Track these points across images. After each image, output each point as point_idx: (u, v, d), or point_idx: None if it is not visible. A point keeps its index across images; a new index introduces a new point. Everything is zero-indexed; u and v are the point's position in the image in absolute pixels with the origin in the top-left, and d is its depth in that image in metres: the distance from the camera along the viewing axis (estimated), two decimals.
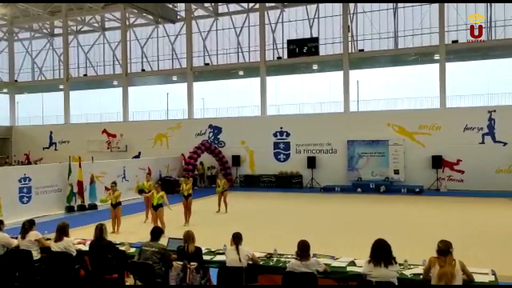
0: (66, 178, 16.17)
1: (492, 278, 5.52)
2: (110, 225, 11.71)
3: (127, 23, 27.80)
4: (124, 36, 27.82)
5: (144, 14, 25.32)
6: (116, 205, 12.12)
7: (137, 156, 25.93)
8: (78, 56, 29.77)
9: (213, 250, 7.04)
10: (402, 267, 5.85)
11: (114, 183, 12.96)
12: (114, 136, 27.56)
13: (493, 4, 20.66)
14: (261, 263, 6.35)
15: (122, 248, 7.18)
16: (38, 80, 31.09)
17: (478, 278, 5.40)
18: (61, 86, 29.81)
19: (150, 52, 27.74)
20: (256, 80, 24.82)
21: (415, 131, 21.23)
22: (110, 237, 7.61)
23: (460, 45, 21.20)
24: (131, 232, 11.32)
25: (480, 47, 21.28)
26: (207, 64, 26.08)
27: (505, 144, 19.85)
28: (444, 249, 5.22)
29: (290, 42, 23.79)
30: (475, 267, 5.67)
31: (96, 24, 28.94)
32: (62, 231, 6.98)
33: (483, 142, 20.24)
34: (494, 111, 20.16)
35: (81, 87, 30.05)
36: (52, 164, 18.53)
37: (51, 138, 29.63)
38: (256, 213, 15.25)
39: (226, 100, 26.11)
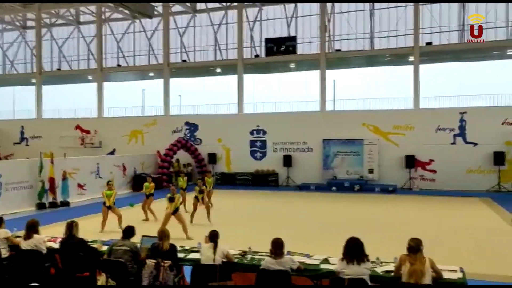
0: (38, 174, 15.83)
1: (460, 275, 5.66)
2: (99, 225, 11.50)
3: (103, 17, 27.33)
4: (99, 30, 27.34)
5: (121, 9, 24.95)
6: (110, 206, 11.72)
7: (112, 153, 25.55)
8: (51, 50, 29.06)
9: (187, 248, 7.01)
10: (374, 264, 5.93)
11: (111, 181, 12.52)
12: (88, 132, 27.07)
13: (466, 7, 21.17)
14: (235, 260, 6.35)
15: (94, 245, 7.06)
16: (9, 73, 30.24)
17: (447, 275, 5.53)
18: (34, 80, 29.09)
19: (126, 47, 27.34)
20: (234, 78, 24.77)
21: (389, 131, 21.60)
22: (99, 236, 7.42)
23: (434, 47, 21.67)
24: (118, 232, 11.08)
25: (452, 50, 21.82)
26: (184, 60, 25.88)
27: (475, 145, 20.40)
28: (414, 247, 5.34)
29: (268, 40, 23.83)
30: (444, 265, 5.81)
31: (70, 18, 28.33)
32: (31, 229, 6.82)
33: (454, 143, 20.75)
34: (466, 112, 20.69)
35: (54, 81, 29.36)
36: (23, 160, 18.07)
37: (22, 133, 28.89)
38: (231, 211, 15.24)
39: (203, 97, 25.96)
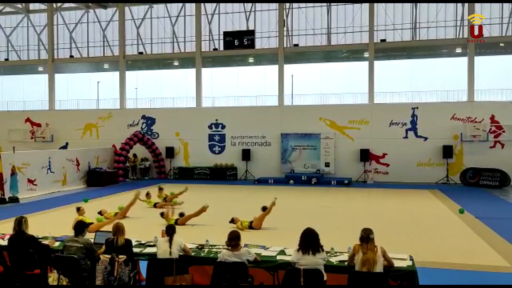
0: None
1: (410, 263, 5.91)
2: (51, 221, 10.99)
3: (54, 6, 26.23)
4: (50, 19, 26.25)
5: None
6: None
7: (64, 147, 24.72)
8: None
9: (143, 242, 6.91)
10: (329, 254, 6.09)
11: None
12: (38, 125, 26.00)
13: (417, 6, 21.91)
14: (192, 254, 6.33)
15: (45, 242, 6.84)
16: None
17: (397, 263, 5.76)
18: None
19: (79, 38, 26.41)
20: (192, 71, 24.51)
21: (345, 126, 22.09)
22: None
23: (387, 44, 22.32)
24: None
25: (405, 47, 22.60)
26: (141, 53, 25.32)
27: (425, 139, 21.24)
28: (365, 236, 5.53)
29: (226, 34, 23.70)
30: (395, 253, 6.04)
31: (19, 5, 27.00)
32: None
33: (406, 137, 21.51)
34: (417, 107, 21.49)
35: (3, 72, 28.03)
36: None
37: None
38: (189, 205, 15.08)
39: (160, 90, 25.54)
